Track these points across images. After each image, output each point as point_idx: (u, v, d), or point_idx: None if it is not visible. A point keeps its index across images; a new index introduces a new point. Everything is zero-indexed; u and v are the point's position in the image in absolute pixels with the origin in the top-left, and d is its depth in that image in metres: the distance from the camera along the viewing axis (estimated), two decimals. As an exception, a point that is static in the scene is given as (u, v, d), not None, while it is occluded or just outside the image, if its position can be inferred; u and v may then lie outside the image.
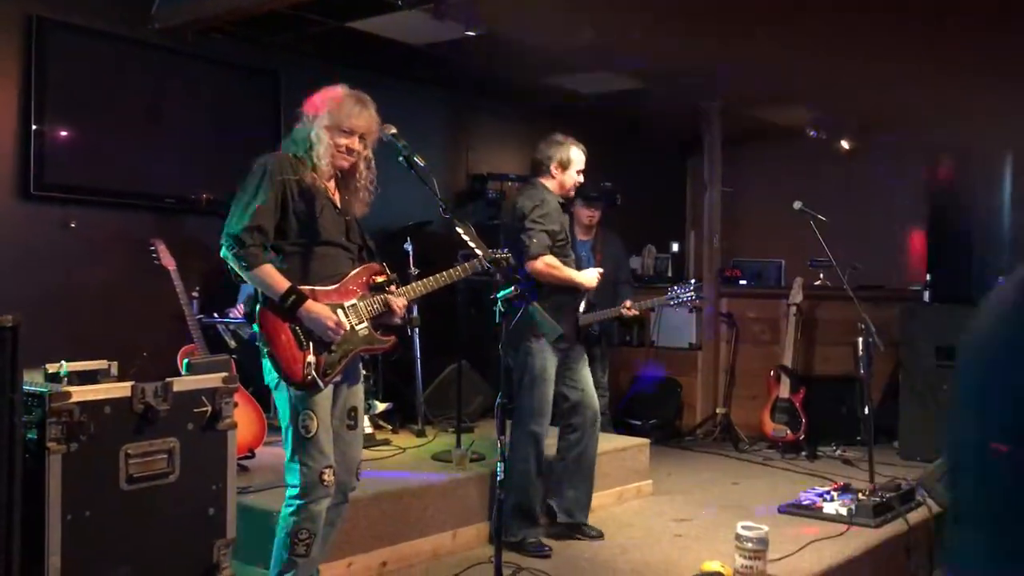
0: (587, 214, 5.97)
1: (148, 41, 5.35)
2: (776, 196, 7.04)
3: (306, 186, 3.07)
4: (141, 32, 5.31)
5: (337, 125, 3.09)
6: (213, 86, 5.75)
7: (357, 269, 3.18)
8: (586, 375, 4.47)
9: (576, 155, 4.40)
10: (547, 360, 4.24)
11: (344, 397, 3.15)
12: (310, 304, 2.97)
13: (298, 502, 2.99)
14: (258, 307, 2.99)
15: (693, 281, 5.35)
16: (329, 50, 6.06)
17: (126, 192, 5.29)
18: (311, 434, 2.97)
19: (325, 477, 3.00)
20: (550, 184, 4.40)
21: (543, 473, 4.35)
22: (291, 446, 3.00)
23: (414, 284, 3.29)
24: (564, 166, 4.38)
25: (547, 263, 4.24)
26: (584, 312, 4.48)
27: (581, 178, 4.43)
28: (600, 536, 4.45)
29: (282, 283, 2.95)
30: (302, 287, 2.99)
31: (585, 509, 4.49)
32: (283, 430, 3.03)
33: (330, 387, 3.04)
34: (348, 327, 3.06)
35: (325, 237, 3.09)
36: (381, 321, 3.19)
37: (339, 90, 3.16)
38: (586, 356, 4.53)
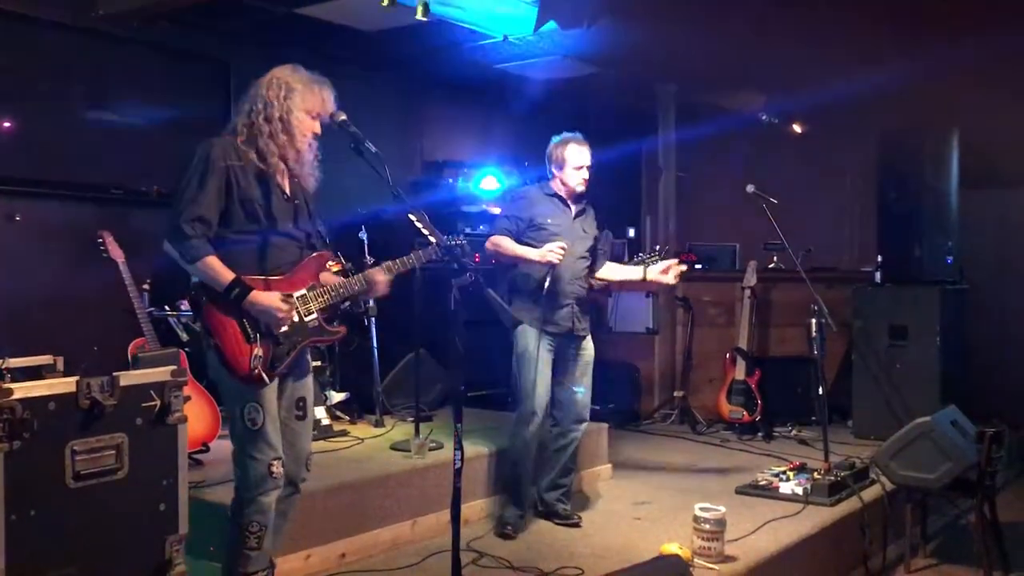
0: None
1: (92, 28, 5.23)
2: (730, 180, 7.10)
3: (252, 172, 2.98)
4: (85, 20, 5.20)
5: (308, 110, 3.02)
6: (161, 75, 5.64)
7: (307, 258, 3.11)
8: (579, 374, 4.45)
9: (571, 152, 4.39)
10: (530, 341, 4.28)
11: (291, 388, 3.10)
12: (255, 294, 2.89)
13: (247, 495, 2.95)
14: (203, 299, 2.91)
15: (657, 247, 5.40)
16: (279, 37, 5.97)
17: (72, 184, 5.18)
18: (257, 427, 2.93)
19: (274, 469, 2.96)
20: (554, 185, 4.44)
21: (534, 453, 4.37)
22: (238, 439, 2.96)
23: (397, 260, 3.23)
24: (560, 165, 4.41)
25: (492, 241, 4.34)
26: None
27: (584, 174, 4.39)
28: (576, 524, 4.44)
29: (226, 275, 2.87)
30: (250, 277, 2.92)
31: (560, 489, 4.51)
32: (230, 422, 2.99)
33: (276, 379, 2.98)
34: (296, 318, 3.00)
35: (271, 225, 3.01)
36: (351, 302, 3.13)
37: (302, 72, 3.07)
38: (583, 352, 4.47)
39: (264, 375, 2.91)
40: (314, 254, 3.15)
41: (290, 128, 3.00)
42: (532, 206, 4.40)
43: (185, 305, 4.91)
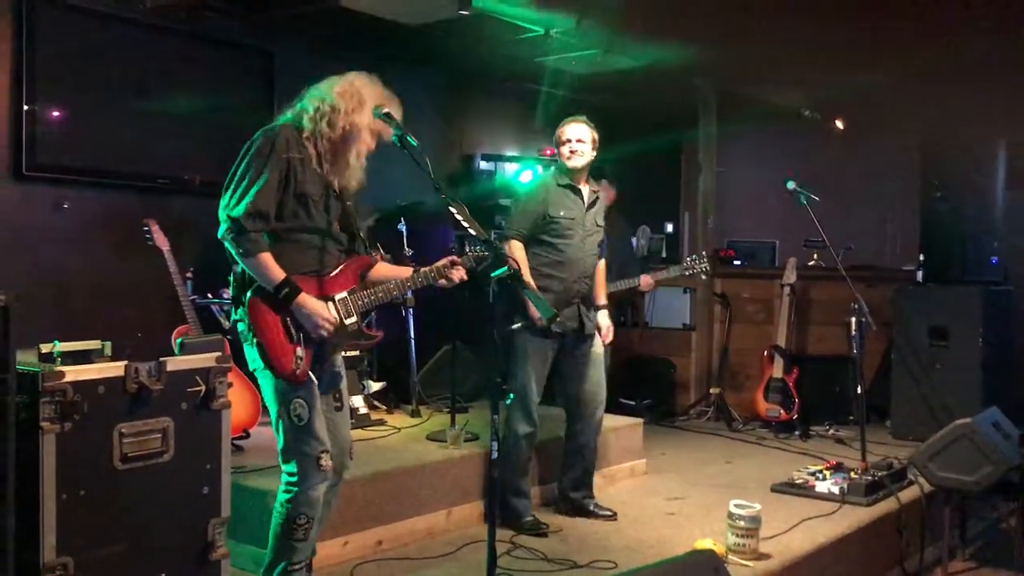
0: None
1: (140, 20, 5.32)
2: (770, 176, 7.04)
3: (310, 168, 2.98)
4: (133, 10, 5.28)
5: (373, 130, 3.03)
6: (206, 65, 5.71)
7: (347, 261, 3.12)
8: (588, 369, 4.38)
9: (563, 129, 4.31)
10: (527, 341, 4.22)
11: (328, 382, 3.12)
12: (304, 298, 2.90)
13: (296, 488, 2.97)
14: (248, 294, 2.93)
15: (704, 253, 5.44)
16: (323, 30, 6.02)
17: (119, 172, 5.27)
18: (304, 421, 2.94)
19: (322, 462, 2.97)
20: (561, 167, 4.36)
21: (526, 453, 4.32)
22: (284, 435, 2.97)
23: (473, 252, 3.23)
24: (557, 144, 4.36)
25: (510, 247, 4.23)
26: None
27: (572, 147, 4.26)
28: (612, 516, 4.42)
29: (278, 273, 2.87)
30: (297, 276, 2.93)
31: (584, 488, 4.49)
32: (272, 418, 3.00)
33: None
34: (338, 322, 3.01)
35: (320, 225, 3.02)
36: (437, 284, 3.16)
37: (377, 86, 3.07)
38: (594, 350, 4.40)
39: (308, 374, 2.95)
40: (356, 257, 3.16)
41: (350, 141, 3.01)
42: (545, 200, 4.29)
43: (227, 293, 4.98)
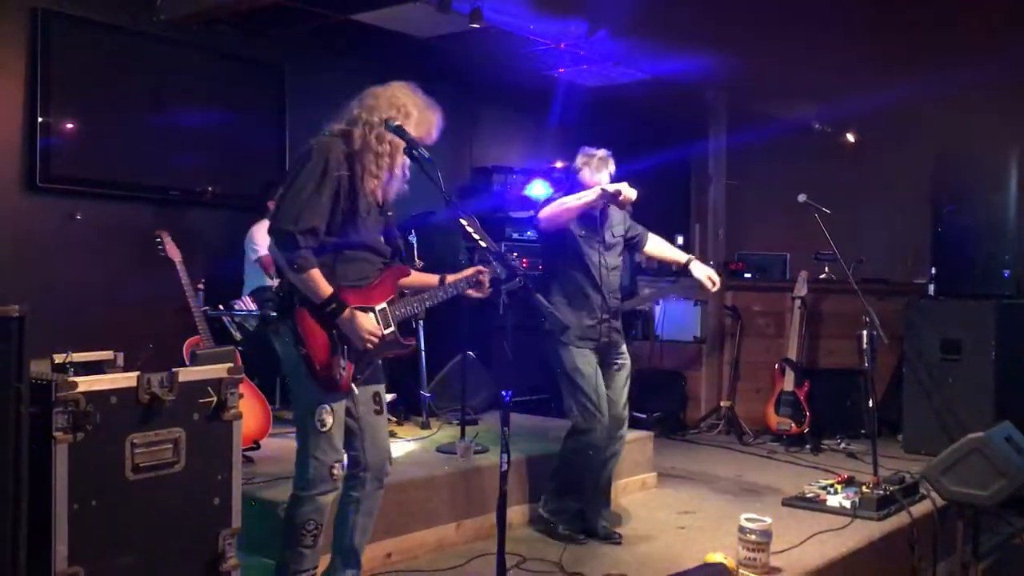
0: None
1: (152, 33, 5.36)
2: (781, 189, 7.04)
3: (359, 186, 3.01)
4: (145, 24, 5.33)
5: (418, 138, 3.05)
6: (217, 79, 5.75)
7: (388, 271, 3.16)
8: (619, 386, 4.35)
9: (594, 170, 4.27)
10: (574, 354, 4.21)
11: (364, 386, 3.15)
12: (351, 313, 2.94)
13: (305, 494, 3.00)
14: (296, 306, 2.95)
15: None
16: (334, 43, 6.06)
17: (131, 184, 5.31)
18: (326, 428, 2.98)
19: (335, 471, 3.02)
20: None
21: (593, 473, 4.28)
22: (304, 439, 3.01)
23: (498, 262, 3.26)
24: (584, 179, 4.30)
25: (552, 205, 4.20)
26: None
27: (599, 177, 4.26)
28: (617, 541, 4.30)
29: (326, 289, 2.91)
30: (342, 289, 2.97)
31: (598, 512, 4.40)
32: (298, 421, 3.04)
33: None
34: (382, 334, 3.05)
35: (363, 240, 3.05)
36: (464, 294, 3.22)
37: (420, 97, 3.11)
38: (626, 364, 4.38)
39: (351, 385, 3.01)
40: (394, 267, 3.19)
41: (396, 153, 3.04)
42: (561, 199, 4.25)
43: (239, 304, 5.00)
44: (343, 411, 3.07)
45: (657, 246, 4.60)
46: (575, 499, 4.33)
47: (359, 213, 3.02)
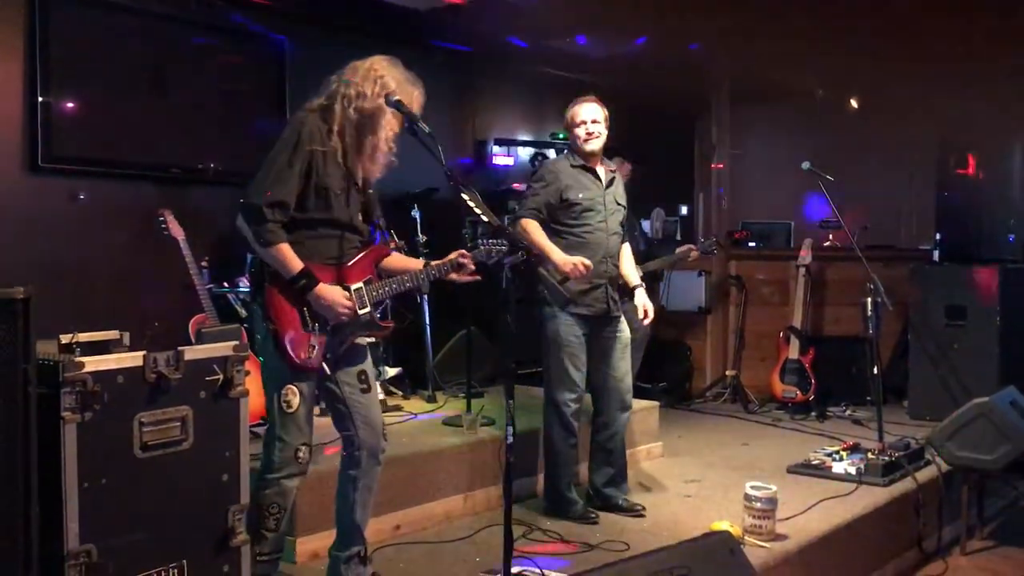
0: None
1: (151, 10, 5.33)
2: (785, 157, 7.01)
3: (333, 159, 2.99)
4: (144, 1, 5.29)
5: (415, 119, 3.02)
6: (217, 54, 5.72)
7: (366, 251, 3.13)
8: (616, 357, 4.28)
9: (577, 110, 4.23)
10: (562, 325, 4.17)
11: (347, 366, 3.12)
12: (322, 288, 2.92)
13: (270, 476, 3.00)
14: (266, 281, 2.94)
15: (713, 238, 5.81)
16: (333, 16, 6.02)
17: (133, 163, 5.29)
18: (292, 409, 2.97)
19: (300, 454, 3.00)
20: (575, 151, 4.29)
21: (570, 441, 4.26)
22: (271, 419, 3.00)
23: (485, 246, 3.23)
24: (570, 126, 4.28)
25: (521, 225, 4.17)
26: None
27: (588, 128, 4.18)
28: (640, 513, 4.28)
29: (296, 264, 2.89)
30: (314, 266, 2.94)
31: (617, 486, 4.39)
32: (267, 401, 3.02)
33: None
34: (355, 309, 3.02)
35: (340, 217, 3.03)
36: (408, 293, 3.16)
37: (399, 69, 3.06)
38: (622, 336, 4.31)
39: (321, 364, 2.98)
40: (373, 246, 3.16)
41: (377, 126, 3.02)
42: (559, 182, 4.20)
43: (243, 281, 5.01)
44: (312, 393, 3.03)
45: (624, 253, 4.46)
46: (566, 483, 4.29)
47: (333, 189, 2.99)
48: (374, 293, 3.10)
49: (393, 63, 3.08)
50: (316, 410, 3.20)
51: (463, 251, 3.24)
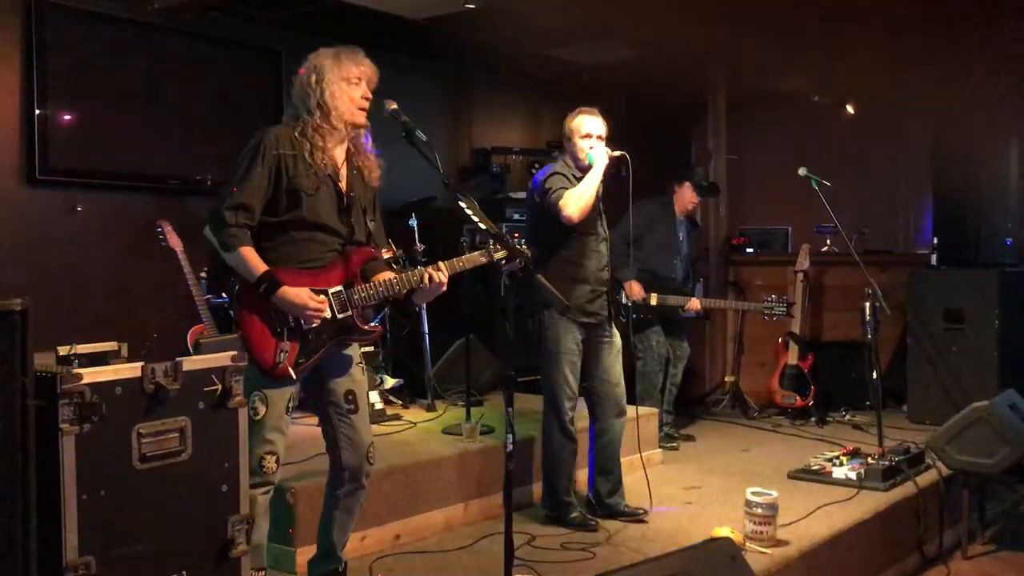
0: (692, 201, 6.04)
1: (147, 21, 5.34)
2: (781, 162, 7.01)
3: (304, 162, 2.96)
4: (140, 12, 5.30)
5: (345, 77, 2.99)
6: (214, 65, 5.73)
7: (346, 253, 3.07)
8: (610, 362, 4.28)
9: (578, 121, 4.23)
10: (561, 332, 4.16)
11: (333, 384, 3.09)
12: (285, 289, 2.88)
13: None
14: (237, 287, 2.94)
15: (784, 298, 6.01)
16: (329, 27, 6.03)
17: (131, 175, 5.30)
18: (258, 416, 2.93)
19: (265, 464, 2.97)
20: (569, 161, 4.27)
21: (570, 448, 4.25)
22: None
23: (454, 260, 3.15)
24: (570, 136, 4.27)
25: (565, 198, 4.06)
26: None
27: (591, 143, 4.18)
28: (642, 519, 4.29)
29: (258, 267, 2.87)
30: (283, 269, 2.92)
31: (615, 494, 4.38)
32: None
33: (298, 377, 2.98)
34: (329, 314, 2.98)
35: (314, 219, 2.98)
36: (405, 297, 3.10)
37: (328, 49, 3.05)
38: (615, 341, 4.31)
39: (289, 371, 2.93)
40: (355, 249, 3.09)
41: (333, 105, 2.98)
42: (562, 183, 4.16)
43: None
44: (283, 403, 2.98)
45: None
46: (564, 487, 4.28)
47: (304, 190, 2.95)
48: (356, 297, 3.03)
49: (334, 51, 3.04)
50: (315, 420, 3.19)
51: (428, 269, 3.11)
